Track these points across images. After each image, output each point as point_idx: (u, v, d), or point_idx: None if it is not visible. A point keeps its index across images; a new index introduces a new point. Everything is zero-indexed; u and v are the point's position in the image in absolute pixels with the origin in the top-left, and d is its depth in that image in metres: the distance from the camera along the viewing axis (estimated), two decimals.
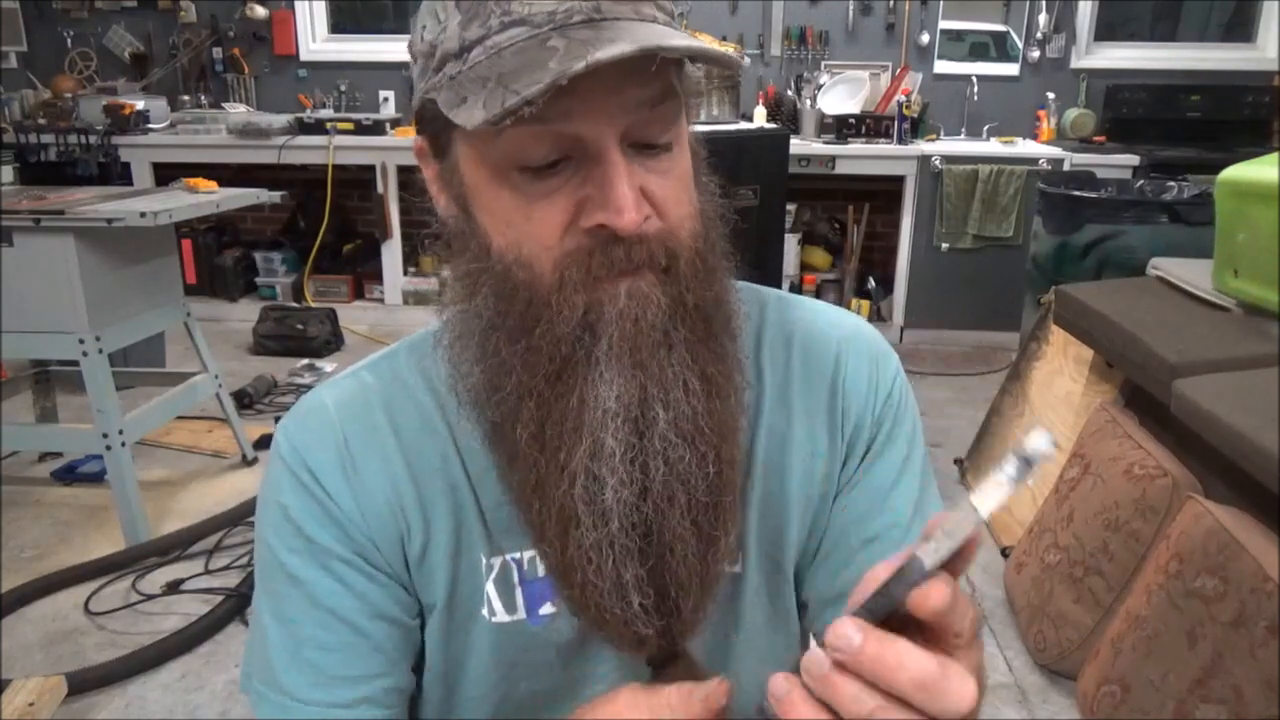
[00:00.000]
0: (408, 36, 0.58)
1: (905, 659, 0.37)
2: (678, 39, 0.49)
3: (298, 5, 4.64)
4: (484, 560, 0.64)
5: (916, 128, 4.12)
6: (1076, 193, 2.89)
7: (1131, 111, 4.17)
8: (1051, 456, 0.37)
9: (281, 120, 4.23)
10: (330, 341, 4.08)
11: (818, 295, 4.32)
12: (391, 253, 4.41)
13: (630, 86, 0.50)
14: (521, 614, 0.64)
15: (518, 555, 0.64)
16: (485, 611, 0.64)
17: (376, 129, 4.20)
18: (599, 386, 0.54)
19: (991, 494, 0.37)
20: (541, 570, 0.63)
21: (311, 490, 0.62)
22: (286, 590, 0.63)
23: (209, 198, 2.57)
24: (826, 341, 0.69)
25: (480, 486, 0.63)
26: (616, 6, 0.51)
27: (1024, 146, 4.13)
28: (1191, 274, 2.21)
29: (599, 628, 0.58)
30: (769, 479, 0.67)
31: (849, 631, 0.37)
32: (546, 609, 0.64)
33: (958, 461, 2.82)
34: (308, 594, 0.62)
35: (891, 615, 0.38)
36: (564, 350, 0.54)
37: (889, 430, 0.68)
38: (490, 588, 0.64)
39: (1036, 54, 4.31)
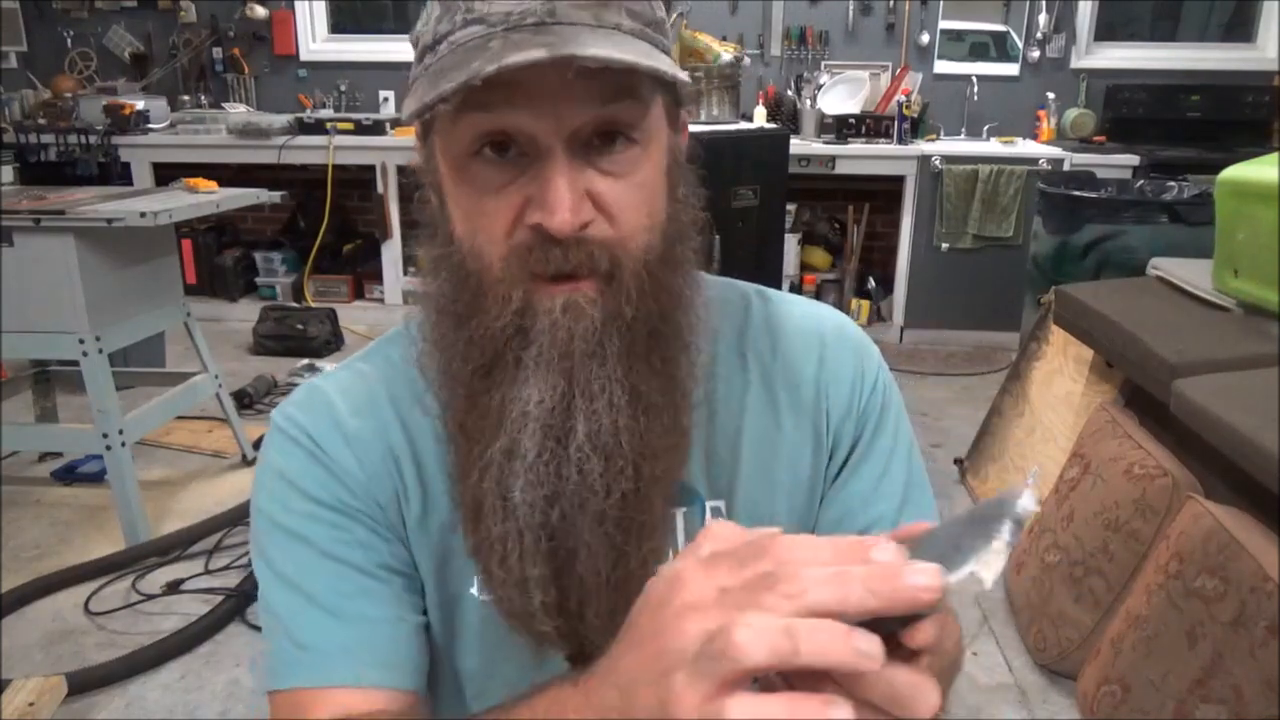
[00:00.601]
0: (410, 35, 0.61)
1: (886, 671, 0.38)
2: (601, 49, 0.49)
3: (298, 5, 4.64)
4: None
5: (916, 128, 4.11)
6: (1076, 193, 2.89)
7: (1131, 111, 4.17)
8: (1035, 512, 0.39)
9: (281, 120, 4.23)
10: (330, 341, 4.08)
11: (817, 295, 4.33)
12: (391, 252, 4.41)
13: (577, 86, 0.50)
14: None
15: None
16: (474, 590, 0.65)
17: (376, 129, 4.20)
18: (520, 388, 0.55)
19: (994, 563, 0.38)
20: None
21: (312, 452, 0.63)
22: (291, 550, 0.62)
23: (209, 198, 2.57)
24: (809, 338, 0.70)
25: None
26: (574, 11, 0.51)
27: (1024, 146, 4.13)
28: (1191, 274, 2.21)
29: (506, 617, 0.60)
30: (756, 472, 0.67)
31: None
32: None
33: (958, 461, 2.82)
34: (316, 549, 0.62)
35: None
36: (496, 347, 0.55)
37: (875, 422, 0.69)
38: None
39: (1036, 54, 4.31)
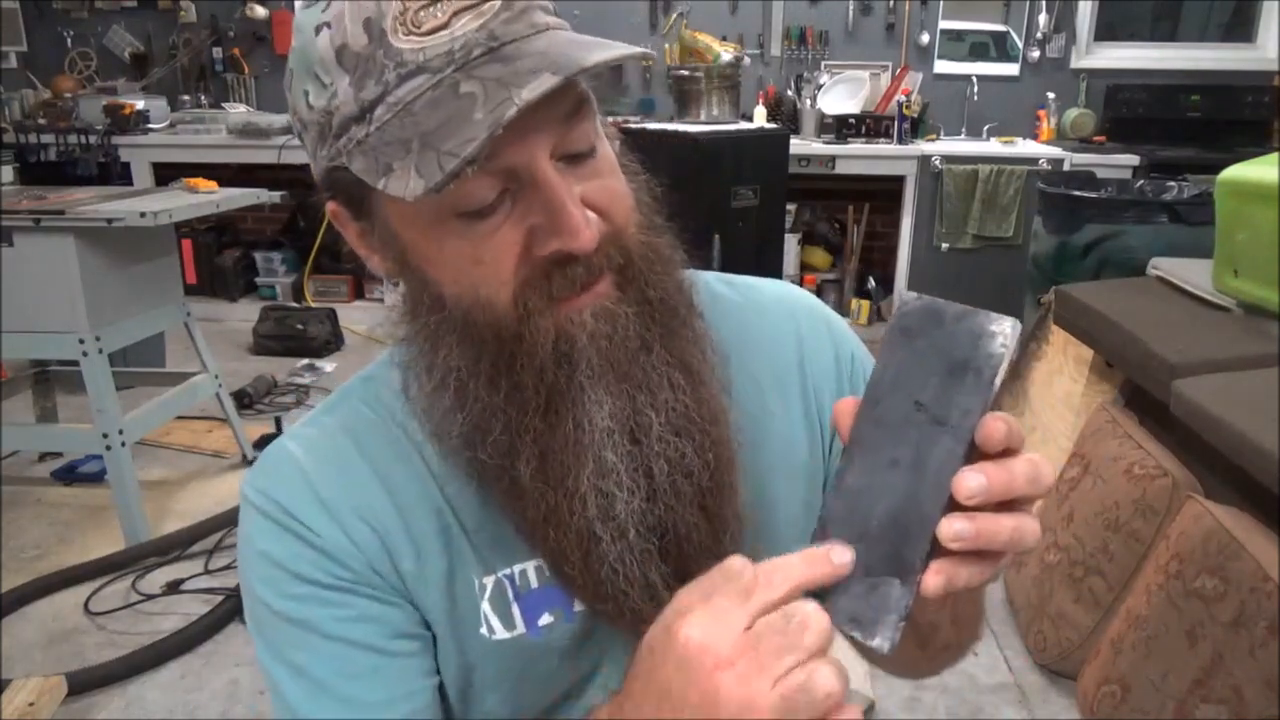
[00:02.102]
0: (299, 117, 0.57)
1: (1012, 467, 0.43)
2: (590, 53, 0.48)
3: (298, 5, 4.64)
4: (477, 581, 0.63)
5: (916, 128, 4.11)
6: (1076, 193, 2.88)
7: (1131, 111, 4.16)
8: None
9: (281, 120, 4.23)
10: (330, 341, 4.07)
11: (818, 295, 4.30)
12: None
13: (549, 106, 0.49)
14: (520, 628, 0.64)
15: (508, 571, 0.63)
16: (484, 630, 0.63)
17: None
18: (589, 408, 0.54)
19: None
20: (535, 582, 0.63)
21: (292, 529, 0.60)
22: (294, 636, 0.60)
23: (209, 198, 2.57)
24: (782, 318, 0.71)
25: (460, 509, 0.62)
26: (510, 27, 0.50)
27: (1024, 146, 4.13)
28: (1191, 274, 2.21)
29: (637, 634, 0.59)
30: (748, 456, 0.66)
31: (973, 478, 0.42)
32: (545, 619, 0.64)
33: None
34: (319, 632, 0.60)
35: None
36: (547, 379, 0.54)
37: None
38: (486, 606, 0.63)
39: (1036, 54, 4.31)
